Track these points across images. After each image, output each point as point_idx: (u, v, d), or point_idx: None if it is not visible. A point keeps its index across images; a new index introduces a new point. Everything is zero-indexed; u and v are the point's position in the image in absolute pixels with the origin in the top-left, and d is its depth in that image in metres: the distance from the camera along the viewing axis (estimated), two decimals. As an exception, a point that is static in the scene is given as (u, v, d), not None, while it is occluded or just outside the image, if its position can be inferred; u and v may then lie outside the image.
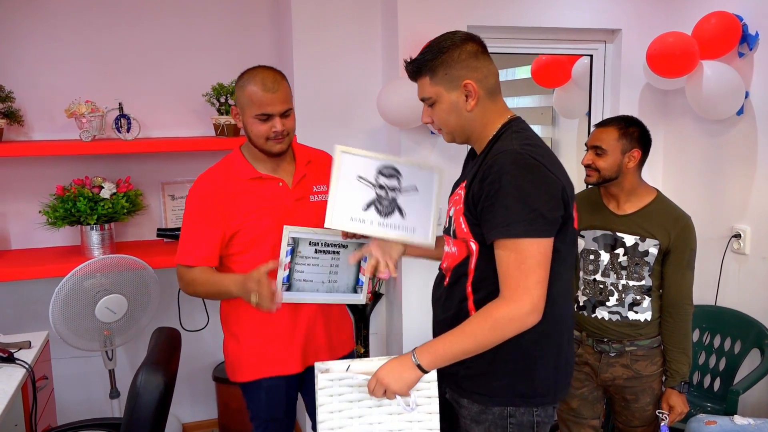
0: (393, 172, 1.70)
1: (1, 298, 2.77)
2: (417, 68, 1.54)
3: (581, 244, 2.16)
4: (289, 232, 1.77)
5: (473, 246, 1.50)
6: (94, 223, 2.54)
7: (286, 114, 1.79)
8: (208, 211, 1.81)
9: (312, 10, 2.72)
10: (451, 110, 1.53)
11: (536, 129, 4.09)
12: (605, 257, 2.11)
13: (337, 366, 1.54)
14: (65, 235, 2.79)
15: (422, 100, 1.56)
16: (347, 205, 1.67)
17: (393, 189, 1.70)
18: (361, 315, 2.86)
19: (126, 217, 2.64)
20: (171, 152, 2.83)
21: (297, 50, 2.73)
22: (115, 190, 2.61)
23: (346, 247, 1.86)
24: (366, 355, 2.91)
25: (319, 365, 1.55)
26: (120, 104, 2.63)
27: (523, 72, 4.00)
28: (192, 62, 2.88)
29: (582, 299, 2.16)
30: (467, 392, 1.57)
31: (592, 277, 2.14)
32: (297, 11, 2.71)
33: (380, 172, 1.70)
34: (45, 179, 2.71)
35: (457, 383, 1.58)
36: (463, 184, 1.54)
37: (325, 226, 1.66)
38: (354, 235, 1.80)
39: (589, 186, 2.21)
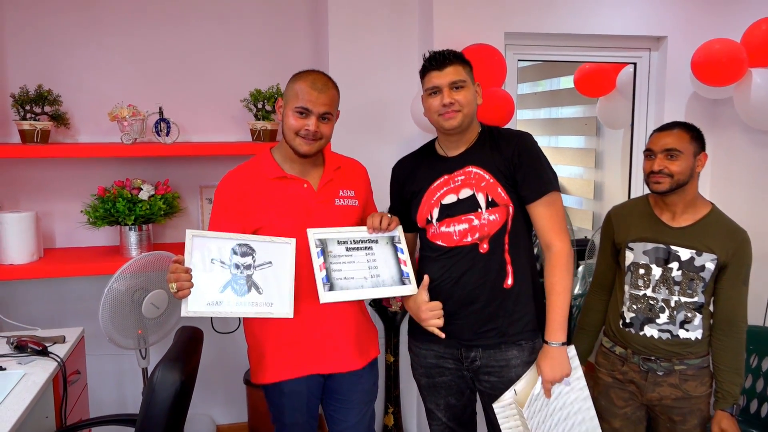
0: (247, 250, 1.75)
1: (46, 293, 2.87)
2: (455, 55, 1.82)
3: (629, 257, 2.07)
4: (313, 234, 1.78)
5: (511, 210, 1.81)
6: (132, 224, 2.60)
7: (325, 117, 1.81)
8: (230, 205, 1.84)
9: (349, 17, 2.74)
10: (473, 98, 1.85)
11: (580, 140, 4.00)
12: (657, 272, 2.01)
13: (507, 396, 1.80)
14: (106, 235, 2.87)
15: (454, 83, 1.79)
16: (203, 290, 1.69)
17: (248, 267, 1.75)
18: (390, 323, 2.83)
19: (163, 219, 2.69)
20: (209, 156, 2.89)
21: (333, 57, 2.74)
22: (153, 192, 2.67)
23: (377, 241, 1.87)
24: (396, 363, 2.87)
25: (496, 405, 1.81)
26: (160, 108, 2.70)
27: (567, 82, 3.92)
28: (231, 68, 2.94)
29: (629, 315, 2.06)
30: (518, 338, 1.84)
31: (642, 292, 2.04)
32: (334, 19, 2.73)
33: (234, 252, 1.74)
34: (89, 180, 2.79)
35: (503, 336, 1.83)
36: (473, 167, 1.84)
37: (182, 314, 1.68)
38: (387, 228, 1.85)
39: (656, 193, 2.00)
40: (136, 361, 2.69)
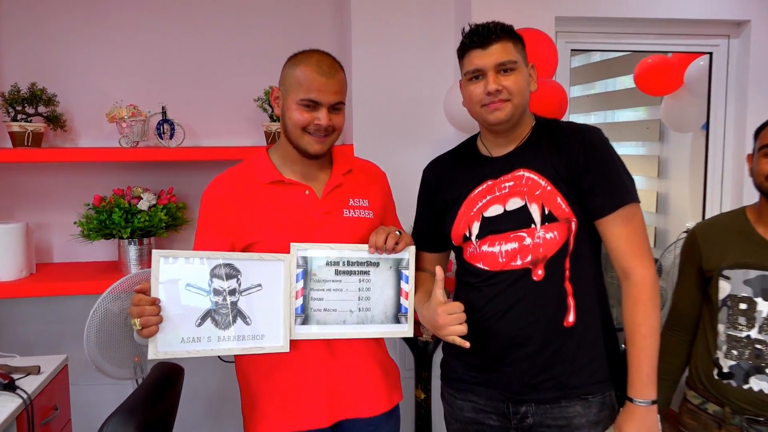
0: (230, 272, 1.43)
1: (37, 314, 2.59)
2: (504, 29, 1.46)
3: (724, 288, 1.65)
4: (297, 250, 1.45)
5: (573, 226, 1.43)
6: (127, 237, 2.31)
7: (336, 108, 1.48)
8: (217, 218, 1.52)
9: (375, 5, 2.42)
10: (525, 83, 1.47)
11: (641, 146, 3.56)
12: (764, 307, 1.59)
13: None
14: (107, 250, 2.59)
15: (501, 65, 1.43)
16: (176, 325, 1.37)
17: (232, 292, 1.43)
18: (422, 355, 2.46)
19: (164, 232, 2.40)
20: (220, 162, 2.58)
21: (357, 51, 2.43)
22: (154, 202, 2.38)
23: (377, 265, 1.52)
24: (427, 401, 2.49)
25: None
26: (163, 108, 2.42)
27: (625, 82, 3.50)
28: (244, 65, 2.64)
29: (727, 364, 1.63)
30: (582, 391, 1.44)
31: (744, 333, 1.61)
32: (358, 8, 2.41)
33: (214, 275, 1.42)
34: (90, 189, 2.50)
35: (563, 389, 1.44)
36: (525, 171, 1.46)
37: (149, 356, 1.35)
38: (392, 249, 1.49)
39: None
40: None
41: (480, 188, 1.51)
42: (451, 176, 1.58)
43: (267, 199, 1.52)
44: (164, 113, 2.42)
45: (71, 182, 2.58)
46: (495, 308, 1.46)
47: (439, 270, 1.45)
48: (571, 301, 1.43)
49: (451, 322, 1.40)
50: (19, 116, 2.34)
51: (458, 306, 1.41)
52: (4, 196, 2.52)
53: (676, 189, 3.19)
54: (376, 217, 1.61)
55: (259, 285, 1.43)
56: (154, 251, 1.35)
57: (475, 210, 1.50)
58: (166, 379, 1.47)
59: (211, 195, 1.56)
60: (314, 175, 1.57)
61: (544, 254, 1.43)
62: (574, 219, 1.43)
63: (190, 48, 2.60)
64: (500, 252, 1.46)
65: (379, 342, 1.64)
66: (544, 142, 1.48)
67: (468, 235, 1.51)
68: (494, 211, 1.48)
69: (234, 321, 1.40)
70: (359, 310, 1.51)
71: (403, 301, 1.54)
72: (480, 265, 1.50)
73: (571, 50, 2.39)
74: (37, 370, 1.92)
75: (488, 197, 1.49)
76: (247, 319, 1.41)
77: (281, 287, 1.44)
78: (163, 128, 2.40)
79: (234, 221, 1.51)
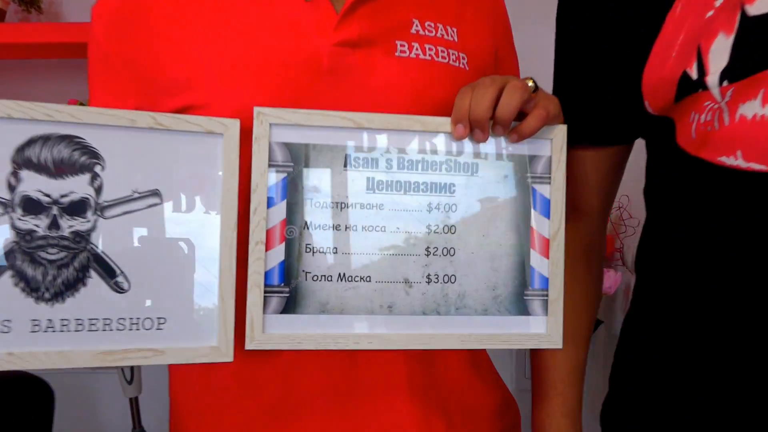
0: (74, 156, 0.56)
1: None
2: None
3: None
4: (270, 124, 0.59)
5: None
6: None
7: None
8: (113, 55, 0.72)
9: None
10: None
11: None
12: None
13: None
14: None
15: None
16: None
17: (78, 207, 0.56)
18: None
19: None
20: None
21: None
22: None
23: (473, 171, 0.63)
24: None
25: None
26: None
27: None
28: None
29: None
30: None
31: None
32: None
33: (27, 161, 0.55)
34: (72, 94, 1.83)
35: None
36: None
37: None
38: (507, 122, 0.60)
39: None
40: (116, 387, 1.64)
41: None
42: None
43: (222, 13, 0.68)
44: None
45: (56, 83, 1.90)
46: None
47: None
48: None
49: None
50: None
51: None
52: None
53: None
54: (475, 67, 0.72)
55: (155, 193, 0.58)
56: None
57: (714, 10, 0.56)
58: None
59: (105, 10, 0.73)
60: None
61: None
62: None
63: None
64: None
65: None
66: None
67: (697, 75, 0.57)
68: None
69: (80, 280, 0.57)
70: (429, 282, 0.62)
71: (536, 259, 0.63)
72: (733, 161, 0.57)
73: None
74: None
75: None
76: (118, 278, 0.58)
77: (217, 204, 0.58)
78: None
79: (149, 62, 0.69)
